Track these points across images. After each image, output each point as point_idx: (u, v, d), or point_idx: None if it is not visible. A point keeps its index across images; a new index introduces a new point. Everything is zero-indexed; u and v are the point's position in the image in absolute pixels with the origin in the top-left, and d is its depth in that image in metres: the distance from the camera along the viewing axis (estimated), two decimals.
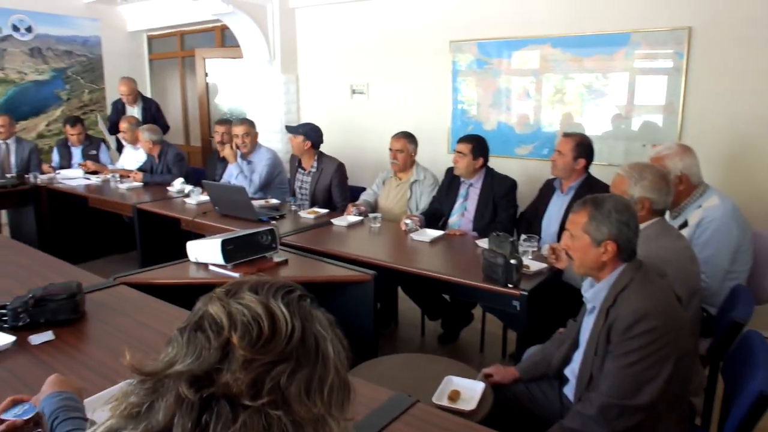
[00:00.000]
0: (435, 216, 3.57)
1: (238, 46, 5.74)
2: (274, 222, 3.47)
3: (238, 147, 4.45)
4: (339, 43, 5.48)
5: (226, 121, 4.87)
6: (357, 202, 3.80)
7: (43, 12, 6.48)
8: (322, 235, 3.31)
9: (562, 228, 3.04)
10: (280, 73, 5.68)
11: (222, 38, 6.80)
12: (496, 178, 3.47)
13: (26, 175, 5.04)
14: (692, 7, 3.65)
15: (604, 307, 1.71)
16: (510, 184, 3.43)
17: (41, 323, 1.90)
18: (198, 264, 2.65)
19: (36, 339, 1.82)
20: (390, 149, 3.79)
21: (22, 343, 1.79)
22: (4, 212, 5.61)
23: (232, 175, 4.56)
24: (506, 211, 3.38)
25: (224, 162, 4.75)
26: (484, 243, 2.92)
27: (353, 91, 5.47)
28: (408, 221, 3.28)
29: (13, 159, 5.29)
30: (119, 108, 5.88)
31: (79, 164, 5.42)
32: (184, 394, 0.62)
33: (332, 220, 3.51)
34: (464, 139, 3.48)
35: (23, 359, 1.71)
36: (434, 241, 3.09)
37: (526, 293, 2.29)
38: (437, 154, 4.79)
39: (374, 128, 5.29)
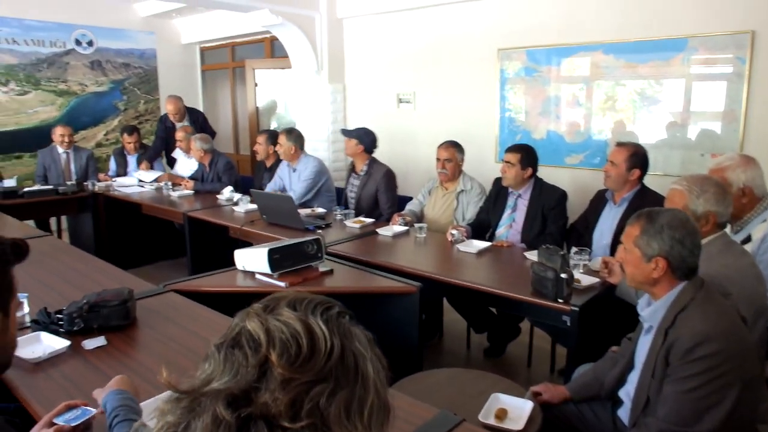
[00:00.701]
0: (482, 227, 3.51)
1: (287, 56, 5.84)
2: (320, 231, 3.48)
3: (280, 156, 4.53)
4: (386, 52, 5.49)
5: (266, 132, 4.98)
6: (402, 212, 3.78)
7: (104, 27, 6.77)
8: (367, 245, 3.30)
9: (614, 241, 2.95)
10: (327, 82, 5.74)
11: (271, 49, 6.93)
12: (545, 188, 3.38)
13: (85, 183, 5.24)
14: (755, 10, 3.48)
15: (662, 327, 1.62)
16: (560, 195, 3.34)
17: (94, 328, 1.96)
18: (245, 272, 2.68)
19: (89, 344, 1.87)
20: (438, 159, 3.76)
21: (76, 348, 1.85)
22: (64, 218, 5.84)
23: (276, 183, 4.63)
24: (556, 222, 3.28)
25: (270, 171, 4.82)
26: (533, 255, 2.85)
27: (400, 100, 5.47)
28: (454, 232, 3.23)
29: (72, 167, 5.51)
30: (168, 124, 6.00)
31: (158, 178, 5.54)
32: (221, 414, 0.61)
33: (378, 230, 3.50)
34: (513, 149, 3.41)
35: (77, 364, 1.76)
36: (481, 253, 3.04)
37: (577, 309, 2.21)
38: (484, 163, 4.72)
39: (420, 137, 5.28)
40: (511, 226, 3.43)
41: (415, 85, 5.32)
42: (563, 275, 2.21)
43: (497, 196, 3.54)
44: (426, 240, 3.35)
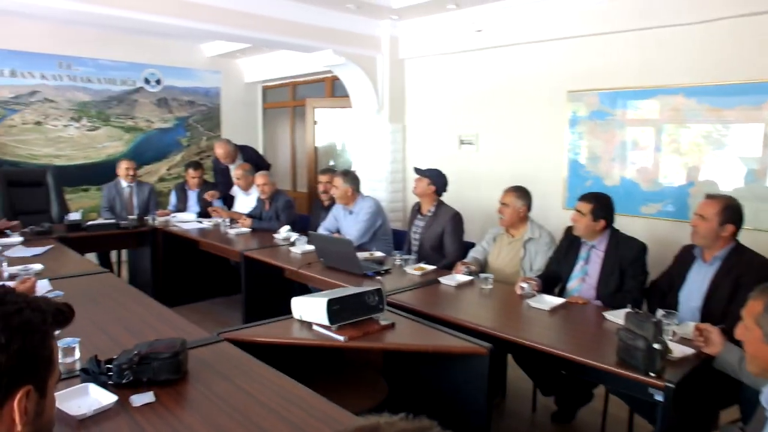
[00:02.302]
0: (551, 279, 3.26)
1: (347, 95, 5.83)
2: (379, 278, 3.32)
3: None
4: (448, 92, 5.39)
5: (330, 171, 4.89)
6: (466, 260, 3.57)
7: (172, 66, 7.00)
8: (429, 294, 3.11)
9: (705, 304, 2.66)
10: (387, 122, 5.68)
11: (332, 88, 6.97)
12: (622, 240, 3.12)
13: (145, 218, 5.30)
14: None
15: None
16: (639, 249, 3.06)
17: (143, 382, 1.84)
18: (302, 322, 2.54)
19: (137, 400, 1.75)
20: (499, 202, 3.58)
21: (123, 403, 1.73)
22: (124, 251, 5.93)
23: (330, 223, 4.53)
24: (635, 278, 3.00)
25: (327, 210, 4.73)
26: (613, 316, 2.59)
27: (461, 142, 5.33)
28: (524, 285, 3.00)
29: (135, 200, 5.61)
30: (221, 167, 5.99)
31: (212, 209, 5.54)
32: None
33: (440, 279, 3.30)
34: (585, 198, 3.17)
35: (122, 423, 1.63)
36: (554, 310, 2.79)
37: (672, 386, 1.94)
38: (551, 209, 4.49)
39: (483, 180, 5.10)
40: (584, 279, 3.17)
41: (478, 126, 5.18)
42: (657, 346, 1.95)
43: (569, 247, 3.29)
44: (492, 292, 3.13)
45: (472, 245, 3.91)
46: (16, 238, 4.26)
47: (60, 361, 2.02)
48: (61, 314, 0.99)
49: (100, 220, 5.14)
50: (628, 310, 2.19)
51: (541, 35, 4.53)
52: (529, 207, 3.56)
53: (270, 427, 1.61)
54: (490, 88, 5.03)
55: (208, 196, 5.63)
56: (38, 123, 6.17)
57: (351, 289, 2.62)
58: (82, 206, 6.23)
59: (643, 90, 4.06)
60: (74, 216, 4.99)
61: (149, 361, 1.87)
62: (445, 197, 4.16)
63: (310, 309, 2.48)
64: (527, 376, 3.28)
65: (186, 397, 1.81)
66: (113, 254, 5.96)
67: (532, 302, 2.85)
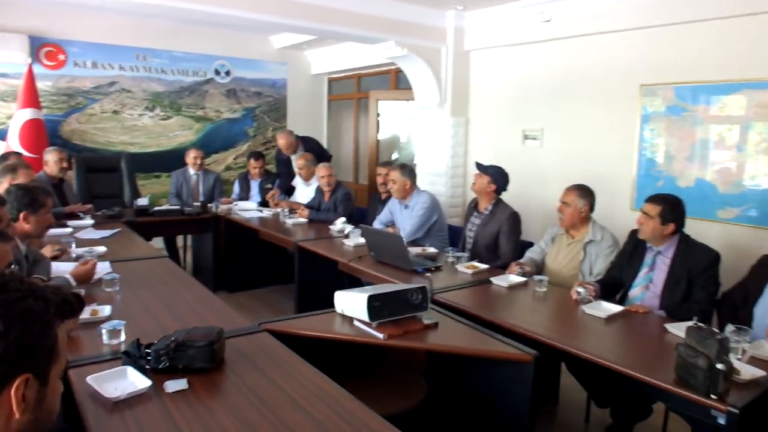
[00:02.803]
0: (612, 285, 3.06)
1: (410, 88, 5.75)
2: (428, 275, 3.24)
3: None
4: (513, 85, 5.20)
5: (388, 164, 4.83)
6: (521, 261, 3.43)
7: (241, 57, 7.17)
8: (479, 295, 3.00)
9: None
10: (449, 115, 5.56)
11: (396, 81, 6.92)
12: (692, 247, 2.88)
13: (209, 205, 5.46)
14: None
15: None
16: (711, 258, 2.81)
17: (179, 369, 1.86)
18: (344, 317, 2.50)
19: (171, 386, 1.76)
20: (559, 201, 3.40)
21: (158, 388, 1.75)
22: (189, 236, 6.14)
23: (385, 216, 4.49)
24: (705, 289, 2.76)
25: (385, 204, 4.69)
26: (676, 329, 2.39)
27: (525, 137, 5.13)
28: (581, 290, 2.83)
29: (201, 188, 5.79)
30: (283, 158, 6.09)
31: (271, 194, 5.65)
32: None
33: (492, 279, 3.18)
34: (654, 199, 2.94)
35: (153, 408, 1.65)
36: (611, 318, 2.61)
37: (737, 411, 1.75)
38: (618, 209, 4.24)
39: (547, 177, 4.89)
40: (647, 287, 2.95)
41: (543, 121, 4.96)
42: (720, 366, 1.77)
43: (633, 251, 3.07)
44: (546, 295, 2.98)
45: (530, 245, 3.75)
46: (88, 221, 4.49)
47: (105, 342, 2.11)
48: (67, 304, 0.98)
49: (166, 206, 5.34)
50: (690, 323, 2.00)
51: (613, 25, 4.26)
52: (591, 207, 3.37)
53: (294, 424, 1.58)
54: (557, 81, 4.80)
55: (268, 197, 5.68)
56: (115, 112, 6.49)
57: (394, 286, 2.56)
58: (153, 192, 6.51)
59: (726, 84, 3.74)
60: (142, 201, 5.21)
61: (185, 348, 1.88)
62: (507, 194, 4.01)
63: (351, 304, 2.45)
64: (581, 386, 3.11)
65: (218, 386, 1.82)
66: (179, 239, 6.19)
67: (588, 309, 2.69)
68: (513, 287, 3.09)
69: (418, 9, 5.10)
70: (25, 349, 0.89)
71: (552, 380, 3.34)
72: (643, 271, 2.99)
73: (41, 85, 5.87)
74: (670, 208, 2.87)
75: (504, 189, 3.93)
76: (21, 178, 3.58)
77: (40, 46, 5.97)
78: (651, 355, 2.23)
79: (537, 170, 5.01)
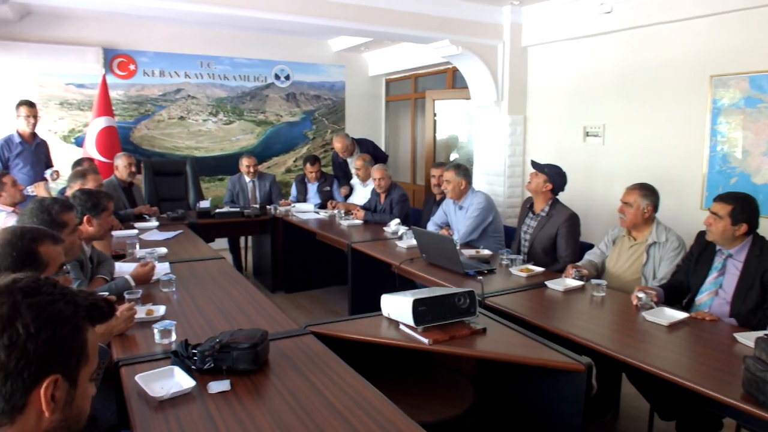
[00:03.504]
0: (677, 291, 2.88)
1: (467, 87, 5.65)
2: (480, 278, 3.15)
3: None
4: (573, 81, 5.01)
5: (442, 164, 4.77)
6: (579, 263, 3.29)
7: (300, 62, 7.30)
8: (532, 299, 2.90)
9: None
10: (507, 113, 5.43)
11: (453, 80, 6.83)
12: (767, 249, 2.66)
13: (267, 207, 5.57)
14: None
15: None
16: None
17: (223, 370, 1.89)
18: (390, 320, 2.48)
19: (214, 387, 1.79)
20: (621, 201, 3.23)
21: (201, 389, 1.78)
22: (250, 237, 6.30)
23: (440, 217, 4.43)
24: None
25: (439, 205, 4.63)
26: (747, 339, 2.21)
27: (587, 134, 4.93)
28: (641, 295, 2.68)
29: (258, 193, 5.91)
30: (339, 161, 6.13)
31: (333, 203, 5.71)
32: None
33: (547, 283, 3.06)
34: (723, 198, 2.74)
35: (196, 409, 1.68)
36: (674, 326, 2.45)
37: None
38: (686, 209, 4.00)
39: (609, 175, 4.68)
40: (716, 293, 2.75)
41: (605, 116, 4.75)
42: None
43: (701, 254, 2.88)
44: (604, 300, 2.84)
45: (590, 247, 3.59)
46: (153, 223, 4.69)
47: (157, 341, 2.17)
48: (97, 309, 1.00)
49: (227, 209, 5.49)
50: (760, 334, 1.84)
51: (679, 14, 4.01)
52: (655, 207, 3.18)
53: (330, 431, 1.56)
54: (620, 74, 4.58)
55: (338, 207, 5.67)
56: (181, 118, 6.75)
57: (441, 290, 2.51)
58: (216, 195, 6.73)
59: None
60: (204, 204, 5.38)
61: (229, 350, 1.91)
62: (567, 193, 3.86)
63: (397, 307, 2.41)
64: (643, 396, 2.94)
65: (259, 389, 1.83)
66: (242, 240, 6.36)
67: (649, 315, 2.53)
68: (569, 292, 2.97)
69: (473, 6, 5.01)
70: (54, 350, 0.91)
71: (612, 389, 3.18)
72: (712, 276, 2.79)
73: (114, 94, 6.20)
74: (741, 207, 2.66)
75: (561, 189, 3.79)
76: (90, 183, 3.77)
77: (112, 58, 6.30)
78: (718, 368, 2.06)
79: (598, 168, 4.80)
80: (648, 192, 3.17)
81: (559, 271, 3.34)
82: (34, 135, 5.00)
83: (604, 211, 4.60)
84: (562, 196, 3.85)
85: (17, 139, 4.87)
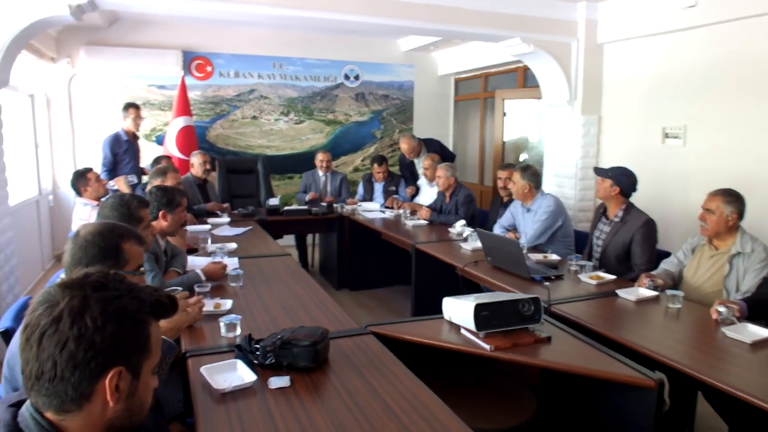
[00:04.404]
0: (763, 305, 2.66)
1: (538, 86, 5.50)
2: (547, 284, 3.06)
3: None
4: (652, 79, 4.76)
5: (509, 166, 4.66)
6: (654, 272, 3.12)
7: (369, 62, 7.36)
8: (602, 308, 2.77)
9: None
10: (580, 113, 5.24)
11: (524, 79, 6.67)
12: None
13: (335, 205, 5.65)
14: None
15: None
16: None
17: (283, 366, 1.92)
18: (451, 324, 2.44)
19: (274, 382, 1.83)
20: (701, 207, 3.03)
21: (262, 384, 1.82)
22: (317, 235, 6.42)
23: (507, 219, 4.33)
24: None
25: (506, 207, 4.53)
26: None
27: (666, 135, 4.67)
28: (722, 309, 2.50)
29: (329, 188, 6.03)
30: (407, 162, 6.12)
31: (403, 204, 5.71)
32: None
33: (618, 291, 2.92)
34: None
35: (255, 403, 1.72)
36: (758, 344, 2.27)
37: None
38: None
39: (690, 180, 4.43)
40: None
41: (686, 117, 4.48)
42: None
43: None
44: (680, 313, 2.68)
45: (666, 255, 3.40)
46: (225, 219, 4.86)
47: (223, 334, 2.24)
48: (161, 305, 1.04)
49: (295, 206, 5.61)
50: None
51: None
52: (740, 215, 2.96)
53: None
54: (704, 72, 4.30)
55: (404, 206, 5.66)
56: (254, 117, 6.97)
57: (504, 295, 2.45)
58: (285, 193, 6.90)
59: None
60: (273, 201, 5.53)
61: (290, 346, 1.94)
62: (642, 198, 3.67)
63: (459, 311, 2.38)
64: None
65: (318, 387, 1.85)
66: (310, 236, 6.49)
67: (730, 331, 2.36)
68: (642, 302, 2.82)
69: (546, 3, 4.86)
70: (119, 343, 0.96)
71: (686, 407, 2.99)
72: None
73: (191, 94, 6.48)
74: None
75: (632, 189, 3.60)
76: (169, 181, 3.96)
77: (191, 60, 6.59)
78: None
79: (678, 172, 4.54)
80: (732, 198, 2.96)
81: (632, 280, 3.18)
82: (135, 134, 5.48)
83: (683, 217, 4.35)
84: (637, 201, 3.66)
85: (124, 137, 5.34)
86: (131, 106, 5.38)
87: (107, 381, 0.95)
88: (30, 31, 3.75)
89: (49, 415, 0.95)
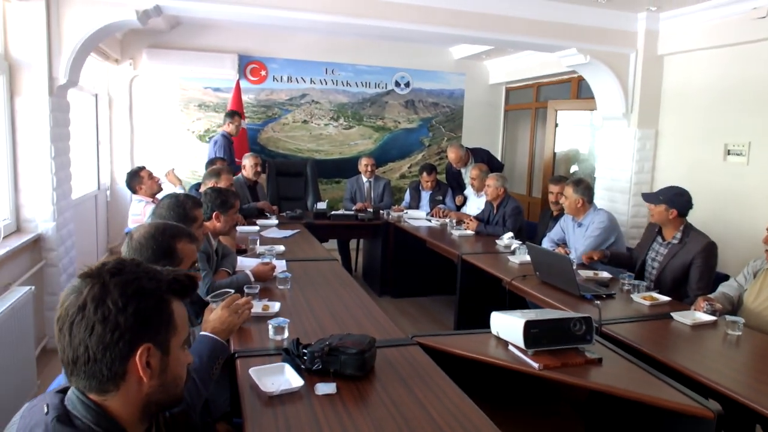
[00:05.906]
0: None
1: (593, 97, 5.38)
2: (598, 302, 2.98)
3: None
4: (715, 93, 4.59)
5: (561, 179, 4.56)
6: (712, 295, 2.99)
7: (420, 69, 7.36)
8: (655, 331, 2.68)
9: None
10: (636, 127, 5.10)
11: (577, 89, 6.54)
12: None
13: (381, 212, 5.67)
14: None
15: None
16: None
17: (330, 373, 1.93)
18: (498, 339, 2.41)
19: (321, 388, 1.84)
20: (767, 230, 2.89)
21: (309, 389, 1.84)
22: (361, 240, 6.44)
23: (557, 233, 4.24)
24: None
25: (556, 221, 4.44)
26: None
27: (728, 152, 4.49)
28: None
29: (373, 194, 6.05)
30: (454, 171, 6.11)
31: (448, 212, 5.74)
32: None
33: (673, 314, 2.82)
34: None
35: (302, 407, 1.73)
36: None
37: None
38: None
39: (754, 200, 4.24)
40: None
41: (751, 133, 4.30)
42: None
43: None
44: (740, 340, 2.56)
45: (725, 278, 3.26)
46: (273, 221, 4.94)
47: (271, 337, 2.27)
48: (178, 283, 1.08)
49: (342, 211, 5.65)
50: None
51: None
52: None
53: None
54: None
55: (451, 216, 5.63)
56: (305, 122, 7.07)
57: (556, 313, 2.40)
58: (333, 197, 6.96)
59: None
60: (321, 205, 5.59)
61: (338, 353, 1.95)
62: (700, 217, 3.53)
63: (507, 327, 2.34)
64: None
65: (364, 395, 1.85)
66: (353, 241, 6.53)
67: None
68: (698, 326, 2.71)
69: (604, 12, 4.76)
70: (142, 321, 1.01)
71: None
72: None
73: (245, 97, 6.63)
74: None
75: (688, 208, 3.45)
76: (223, 182, 4.05)
77: (246, 64, 6.75)
78: None
79: (740, 191, 4.35)
80: None
81: (688, 303, 3.06)
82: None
83: (744, 239, 4.17)
84: (693, 220, 3.53)
85: (229, 139, 5.85)
86: (236, 115, 5.94)
87: (137, 358, 1.00)
88: (99, 34, 3.92)
89: (93, 396, 1.02)
